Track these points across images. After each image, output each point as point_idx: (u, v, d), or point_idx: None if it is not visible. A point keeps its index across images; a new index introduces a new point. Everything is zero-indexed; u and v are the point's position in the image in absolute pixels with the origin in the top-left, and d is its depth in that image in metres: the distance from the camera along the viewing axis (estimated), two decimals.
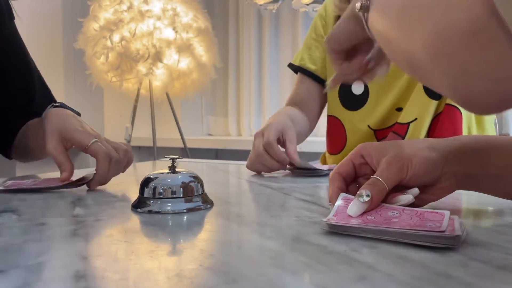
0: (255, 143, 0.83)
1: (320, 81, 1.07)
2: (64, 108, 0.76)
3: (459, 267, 0.30)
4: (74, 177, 0.68)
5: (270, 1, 2.08)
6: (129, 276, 0.30)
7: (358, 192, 0.42)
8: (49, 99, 0.91)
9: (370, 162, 0.48)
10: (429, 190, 0.47)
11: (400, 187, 0.46)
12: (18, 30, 0.91)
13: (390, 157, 0.45)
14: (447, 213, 0.39)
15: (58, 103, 0.77)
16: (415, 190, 0.45)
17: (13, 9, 0.90)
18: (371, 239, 0.37)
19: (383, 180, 0.43)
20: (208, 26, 2.25)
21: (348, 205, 0.42)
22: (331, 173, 0.50)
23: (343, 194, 0.45)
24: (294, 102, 1.09)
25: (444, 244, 0.34)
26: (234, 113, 2.90)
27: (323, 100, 1.10)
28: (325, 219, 0.40)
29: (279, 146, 0.83)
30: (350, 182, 0.50)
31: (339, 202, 0.44)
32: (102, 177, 0.66)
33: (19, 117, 0.87)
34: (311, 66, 1.07)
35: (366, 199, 0.41)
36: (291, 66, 1.13)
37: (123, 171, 0.72)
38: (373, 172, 0.47)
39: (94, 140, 0.67)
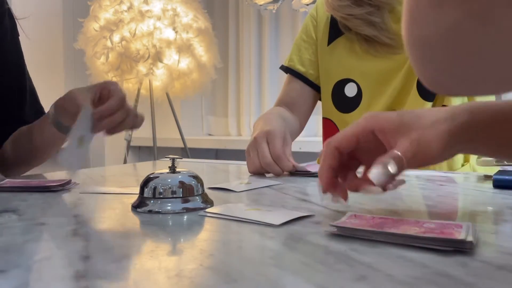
0: (259, 149, 0.80)
1: (309, 83, 1.06)
2: None
3: (459, 267, 0.30)
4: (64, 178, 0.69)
5: (270, 1, 2.08)
6: (129, 276, 0.30)
7: (384, 160, 0.39)
8: (39, 113, 0.95)
9: (384, 140, 0.44)
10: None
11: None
12: (20, 38, 0.94)
13: (415, 142, 0.41)
14: (450, 224, 0.37)
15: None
16: (392, 164, 0.41)
17: (18, 26, 0.92)
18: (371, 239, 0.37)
19: (405, 161, 0.40)
20: (208, 26, 2.25)
21: (360, 221, 0.39)
22: (326, 142, 0.46)
23: (349, 214, 0.42)
24: (283, 102, 1.08)
25: (456, 247, 0.33)
26: (234, 113, 2.90)
27: (313, 102, 1.09)
28: (333, 224, 0.39)
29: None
30: (345, 163, 0.46)
31: (347, 218, 0.41)
32: (108, 109, 0.70)
33: (7, 125, 0.89)
34: (300, 68, 1.06)
35: (392, 170, 0.38)
36: (281, 67, 1.12)
37: (127, 127, 0.74)
38: (378, 154, 0.43)
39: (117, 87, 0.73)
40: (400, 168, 0.40)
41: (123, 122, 0.73)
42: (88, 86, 0.76)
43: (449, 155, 0.45)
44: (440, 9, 0.27)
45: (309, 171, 0.81)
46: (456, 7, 0.26)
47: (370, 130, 0.44)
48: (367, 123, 0.44)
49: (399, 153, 0.40)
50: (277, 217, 0.44)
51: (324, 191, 0.46)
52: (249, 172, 0.84)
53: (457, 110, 0.45)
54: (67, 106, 0.75)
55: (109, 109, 0.70)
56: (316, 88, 1.07)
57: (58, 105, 0.76)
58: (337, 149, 0.45)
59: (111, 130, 0.73)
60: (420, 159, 0.42)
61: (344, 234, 0.38)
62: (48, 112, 0.78)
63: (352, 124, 0.46)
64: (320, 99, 1.10)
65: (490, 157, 0.50)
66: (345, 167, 0.47)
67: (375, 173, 0.38)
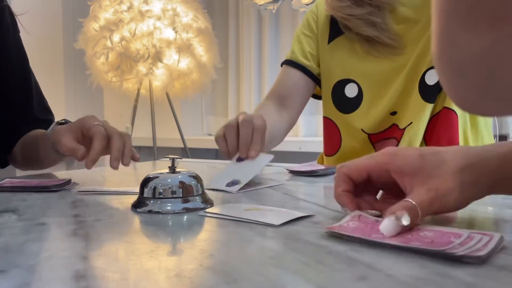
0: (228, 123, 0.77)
1: (309, 74, 1.04)
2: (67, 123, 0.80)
3: (459, 267, 0.30)
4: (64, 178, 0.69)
5: (270, 1, 2.08)
6: (129, 276, 0.30)
7: (398, 213, 0.37)
8: (44, 107, 0.95)
9: (400, 182, 0.41)
10: None
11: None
12: (21, 36, 0.94)
13: (433, 191, 0.39)
14: (465, 233, 0.36)
15: (63, 120, 0.81)
16: (405, 218, 0.38)
17: (18, 23, 0.92)
18: None
19: (420, 213, 0.38)
20: (208, 26, 2.25)
21: (359, 224, 0.39)
22: (337, 168, 0.45)
23: (357, 212, 0.42)
24: (276, 94, 1.05)
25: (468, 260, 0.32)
26: (234, 113, 2.90)
27: (308, 94, 1.07)
28: (330, 227, 0.38)
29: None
30: (358, 189, 0.45)
31: (350, 219, 0.41)
32: (96, 154, 0.68)
33: (20, 124, 0.90)
34: (303, 60, 1.04)
35: (406, 223, 0.36)
36: (283, 63, 1.08)
37: (125, 162, 0.72)
38: (391, 191, 0.42)
39: (97, 122, 0.71)
40: (414, 220, 0.37)
41: (126, 146, 0.71)
42: (66, 126, 0.75)
43: (472, 201, 0.43)
44: (474, 30, 0.26)
45: (308, 171, 0.81)
46: (490, 30, 0.26)
47: (385, 169, 0.42)
48: (383, 159, 0.42)
49: (414, 203, 0.38)
50: (277, 217, 0.44)
51: (352, 209, 0.44)
52: (219, 144, 0.78)
53: (486, 157, 0.42)
54: (56, 147, 0.75)
55: (97, 153, 0.68)
56: (316, 81, 1.05)
57: (50, 137, 0.76)
58: (347, 176, 0.44)
59: (126, 158, 0.71)
60: (437, 209, 0.40)
61: (340, 237, 0.38)
62: (46, 135, 0.78)
63: (369, 155, 0.44)
64: (313, 97, 1.09)
65: None
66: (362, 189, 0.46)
67: (386, 225, 0.36)
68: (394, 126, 0.96)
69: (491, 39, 0.26)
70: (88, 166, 0.68)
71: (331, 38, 1.02)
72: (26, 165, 0.94)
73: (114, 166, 0.68)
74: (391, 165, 0.41)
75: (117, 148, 0.69)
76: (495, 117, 0.97)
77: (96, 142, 0.68)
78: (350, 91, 1.00)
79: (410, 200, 0.38)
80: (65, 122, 0.79)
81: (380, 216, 0.42)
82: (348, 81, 1.00)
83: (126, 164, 0.70)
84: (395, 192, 0.44)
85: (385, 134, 0.97)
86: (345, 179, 0.44)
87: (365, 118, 0.97)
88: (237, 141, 0.75)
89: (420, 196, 0.39)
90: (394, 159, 0.42)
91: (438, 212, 0.41)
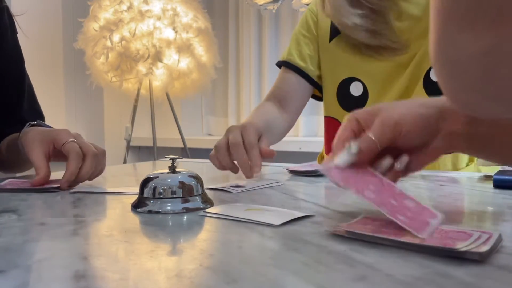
0: (230, 134, 0.74)
1: (307, 77, 1.04)
2: (41, 126, 0.78)
3: (459, 267, 0.30)
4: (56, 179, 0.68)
5: (270, 1, 2.08)
6: (129, 276, 0.30)
7: (346, 145, 0.42)
8: (36, 111, 0.94)
9: (365, 125, 0.47)
10: (424, 150, 0.47)
11: (394, 151, 0.45)
12: (18, 36, 0.94)
13: (383, 116, 0.45)
14: (476, 234, 0.36)
15: (35, 122, 0.79)
16: (404, 158, 0.44)
17: (16, 24, 0.92)
18: None
19: (375, 138, 0.43)
20: (208, 26, 2.25)
21: (367, 224, 0.39)
22: (334, 141, 0.48)
23: (362, 216, 0.43)
24: (275, 96, 1.05)
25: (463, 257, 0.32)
26: (234, 113, 2.90)
27: (307, 97, 1.07)
28: (339, 226, 0.39)
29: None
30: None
31: (358, 220, 0.41)
32: (71, 175, 0.66)
33: (6, 125, 0.89)
34: (300, 63, 1.03)
35: (354, 150, 0.41)
36: (278, 62, 1.08)
37: (90, 178, 0.70)
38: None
39: (71, 139, 0.68)
40: (368, 146, 0.42)
41: (94, 172, 0.70)
42: (39, 136, 0.71)
43: (437, 130, 0.46)
44: (471, 32, 0.27)
45: (308, 171, 0.81)
46: (489, 31, 0.26)
47: (355, 120, 0.47)
48: (351, 116, 0.48)
49: (368, 134, 0.43)
50: (277, 217, 0.44)
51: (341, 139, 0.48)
52: (213, 163, 0.76)
53: (447, 114, 0.46)
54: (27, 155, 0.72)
55: (72, 174, 0.66)
56: (313, 84, 1.05)
57: (21, 144, 0.73)
58: (340, 139, 0.47)
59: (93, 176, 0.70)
60: (392, 133, 0.44)
61: (350, 237, 0.38)
62: (19, 139, 0.76)
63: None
64: (312, 97, 1.09)
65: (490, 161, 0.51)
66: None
67: (340, 156, 0.41)
68: None
69: (489, 41, 0.26)
70: (63, 186, 0.66)
71: (332, 36, 1.01)
72: (11, 165, 0.92)
73: (64, 187, 0.66)
74: (358, 115, 0.48)
75: (80, 172, 0.67)
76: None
77: (72, 162, 0.66)
78: (355, 89, 0.99)
79: (367, 134, 0.44)
80: (37, 124, 0.78)
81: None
82: (353, 79, 1.00)
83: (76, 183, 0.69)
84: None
85: None
86: (341, 141, 0.47)
87: None
88: (232, 162, 0.73)
89: (375, 128, 0.44)
90: (357, 112, 0.49)
91: (393, 138, 0.44)
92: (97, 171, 0.71)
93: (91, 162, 0.68)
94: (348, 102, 1.00)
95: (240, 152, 0.71)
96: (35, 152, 0.69)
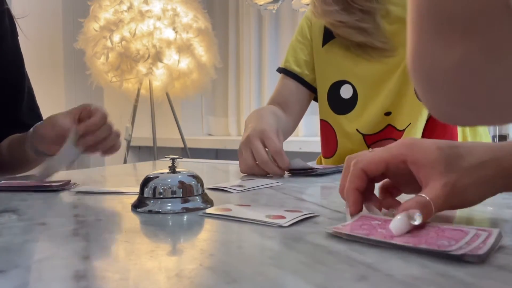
0: (253, 147, 0.80)
1: (304, 83, 1.06)
2: None
3: (459, 267, 0.30)
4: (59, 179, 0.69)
5: (270, 1, 2.08)
6: (129, 276, 0.30)
7: (410, 211, 0.36)
8: (35, 113, 0.95)
9: (416, 174, 0.40)
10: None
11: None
12: (19, 37, 0.94)
13: (449, 186, 0.38)
14: (472, 231, 0.35)
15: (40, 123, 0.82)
16: (418, 216, 0.36)
17: (17, 26, 0.93)
18: None
19: (434, 208, 0.37)
20: (208, 26, 2.25)
21: (363, 225, 0.38)
22: (353, 164, 0.43)
23: (362, 213, 0.41)
24: (276, 102, 1.08)
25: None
26: (234, 113, 2.90)
27: (306, 102, 1.09)
28: (335, 227, 0.38)
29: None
30: (371, 187, 0.44)
31: (355, 219, 0.40)
32: (92, 124, 0.73)
33: (4, 127, 0.89)
34: (295, 68, 1.06)
35: (417, 222, 0.35)
36: (278, 69, 1.12)
37: (104, 149, 0.76)
38: (409, 186, 0.41)
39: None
40: (427, 216, 0.36)
41: (107, 139, 0.74)
42: (67, 110, 0.78)
43: (486, 198, 0.42)
44: (444, 44, 0.27)
45: (308, 170, 0.81)
46: (461, 43, 0.26)
47: (402, 160, 0.41)
48: (400, 151, 0.41)
49: (428, 199, 0.37)
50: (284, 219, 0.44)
51: (352, 213, 0.43)
52: (241, 171, 0.83)
53: (500, 154, 0.40)
54: (45, 131, 0.76)
55: (93, 124, 0.73)
56: (310, 88, 1.06)
57: (36, 131, 0.77)
58: (364, 172, 0.42)
59: (95, 147, 0.75)
60: (452, 205, 0.39)
61: (345, 238, 0.38)
62: (27, 135, 0.79)
63: (384, 148, 0.43)
64: (314, 100, 1.10)
65: None
66: (371, 188, 0.45)
67: (397, 224, 0.35)
68: (390, 127, 0.96)
69: (462, 51, 0.26)
70: (81, 130, 0.72)
71: (325, 41, 1.03)
72: (12, 166, 0.92)
73: (80, 129, 0.72)
74: (408, 156, 0.40)
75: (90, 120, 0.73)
76: (475, 126, 0.96)
77: (97, 115, 0.73)
78: (345, 92, 1.00)
79: (424, 195, 0.37)
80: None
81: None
82: (343, 82, 1.00)
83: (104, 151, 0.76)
84: (411, 187, 0.43)
85: (381, 135, 0.97)
86: (360, 175, 0.42)
87: (360, 119, 0.98)
88: (266, 171, 0.80)
89: (435, 191, 0.38)
90: (411, 149, 0.40)
91: (452, 208, 0.40)
92: (111, 141, 0.76)
93: (102, 118, 0.74)
94: (338, 104, 1.01)
95: (270, 166, 0.79)
96: (61, 118, 0.74)
